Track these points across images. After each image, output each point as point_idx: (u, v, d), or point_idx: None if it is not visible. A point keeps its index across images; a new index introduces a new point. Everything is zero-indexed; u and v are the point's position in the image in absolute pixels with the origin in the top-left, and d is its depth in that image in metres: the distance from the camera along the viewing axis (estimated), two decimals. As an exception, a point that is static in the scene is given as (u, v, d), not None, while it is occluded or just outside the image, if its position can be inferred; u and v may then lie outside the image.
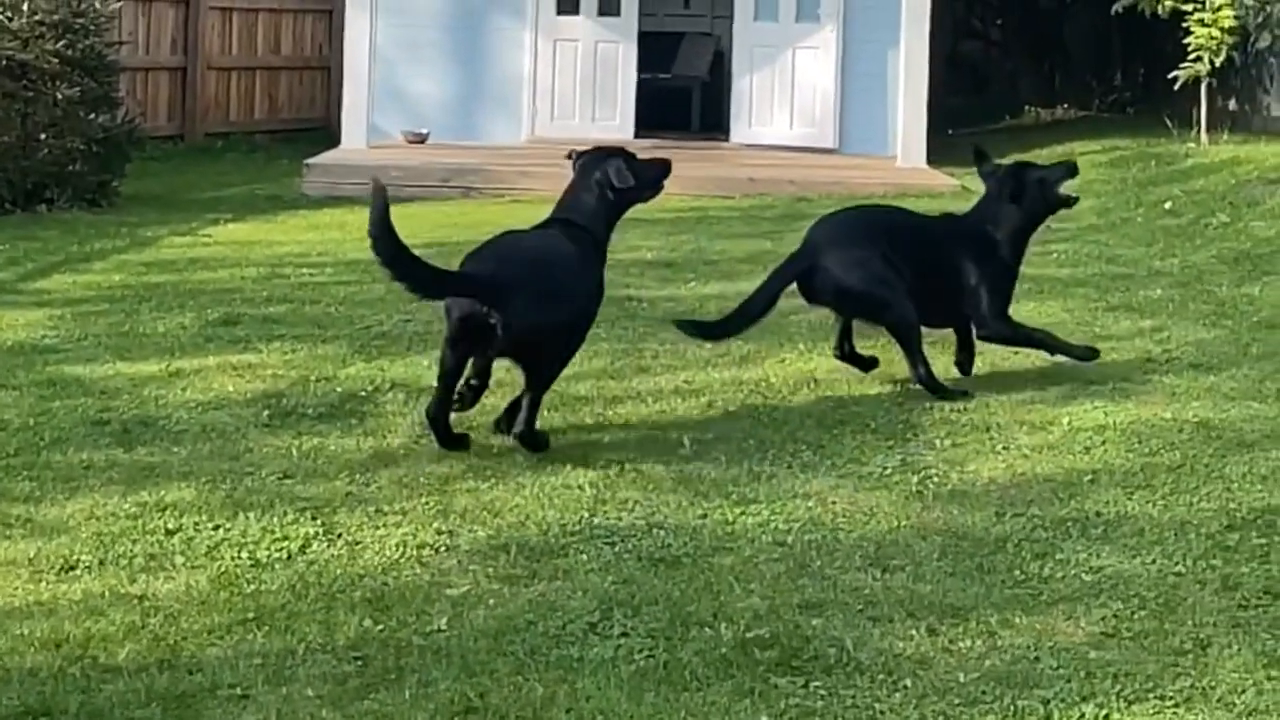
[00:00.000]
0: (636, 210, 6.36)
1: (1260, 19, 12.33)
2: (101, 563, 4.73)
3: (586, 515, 5.18)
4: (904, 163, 14.77)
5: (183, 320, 8.00)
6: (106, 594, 4.49)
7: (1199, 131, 15.89)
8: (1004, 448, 5.96)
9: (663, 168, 6.29)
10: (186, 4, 17.22)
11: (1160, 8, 15.37)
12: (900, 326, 6.62)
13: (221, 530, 5.01)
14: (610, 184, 6.05)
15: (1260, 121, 17.55)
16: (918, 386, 6.61)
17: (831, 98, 16.13)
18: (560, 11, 16.41)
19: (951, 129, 19.13)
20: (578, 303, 5.90)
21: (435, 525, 5.06)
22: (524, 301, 5.60)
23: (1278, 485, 5.50)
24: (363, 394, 6.61)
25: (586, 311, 6.00)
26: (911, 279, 6.60)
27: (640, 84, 16.54)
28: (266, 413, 6.31)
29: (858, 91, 16.14)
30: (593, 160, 6.14)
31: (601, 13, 16.50)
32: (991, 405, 6.50)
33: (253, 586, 4.57)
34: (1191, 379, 6.89)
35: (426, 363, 7.09)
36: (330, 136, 16.15)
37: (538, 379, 5.79)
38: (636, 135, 16.16)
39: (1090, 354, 6.92)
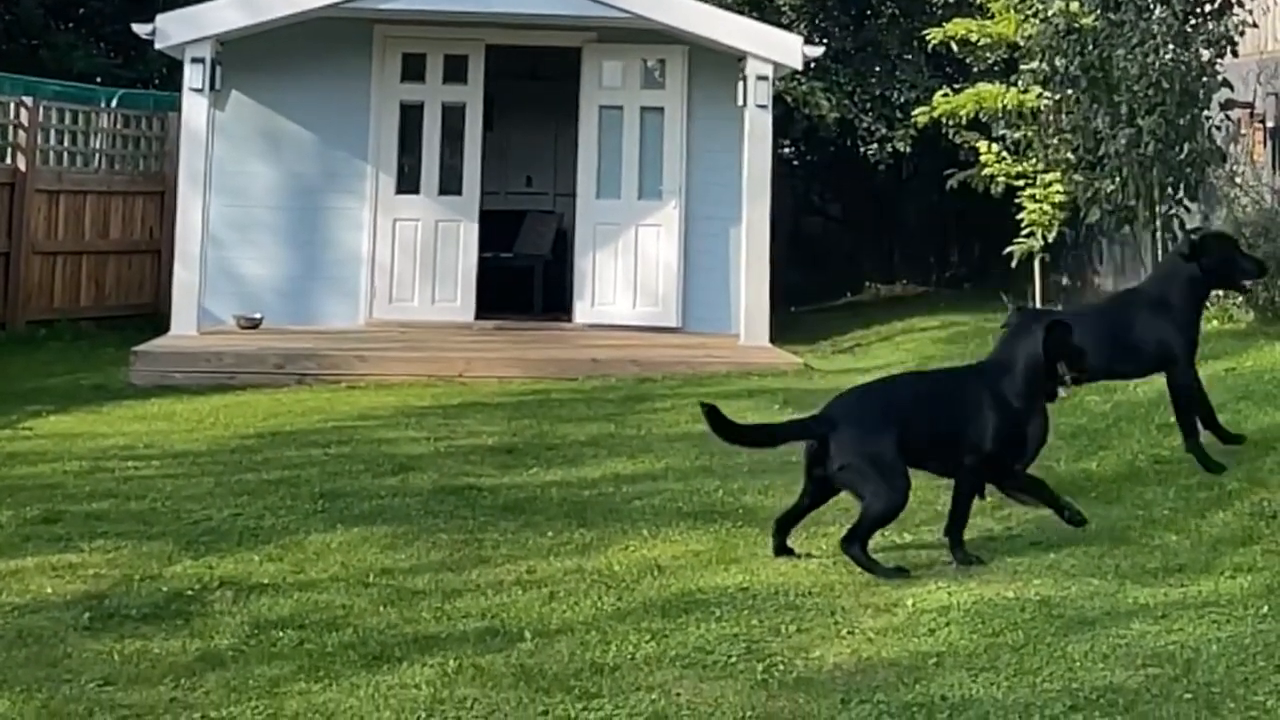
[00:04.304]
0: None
1: (1090, 194, 12.62)
2: (-95, 785, 4.48)
3: (424, 715, 5.01)
4: (747, 341, 14.78)
5: (-1, 519, 7.71)
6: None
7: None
8: (849, 631, 5.88)
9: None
10: (11, 187, 16.62)
11: (993, 185, 15.70)
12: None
13: (36, 744, 4.77)
14: None
15: (1092, 295, 17.96)
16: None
17: (674, 275, 16.06)
18: (400, 190, 16.19)
19: (794, 305, 19.33)
20: None
21: (264, 731, 4.87)
22: None
23: (1119, 663, 5.46)
24: (190, 593, 6.37)
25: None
26: None
27: (482, 263, 16.41)
28: (87, 615, 6.05)
29: (700, 269, 16.14)
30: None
31: (442, 192, 16.29)
32: (836, 588, 6.43)
33: (66, 805, 4.34)
34: (1032, 557, 6.89)
35: (257, 558, 6.90)
36: (159, 322, 15.71)
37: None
38: (477, 316, 16.07)
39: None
